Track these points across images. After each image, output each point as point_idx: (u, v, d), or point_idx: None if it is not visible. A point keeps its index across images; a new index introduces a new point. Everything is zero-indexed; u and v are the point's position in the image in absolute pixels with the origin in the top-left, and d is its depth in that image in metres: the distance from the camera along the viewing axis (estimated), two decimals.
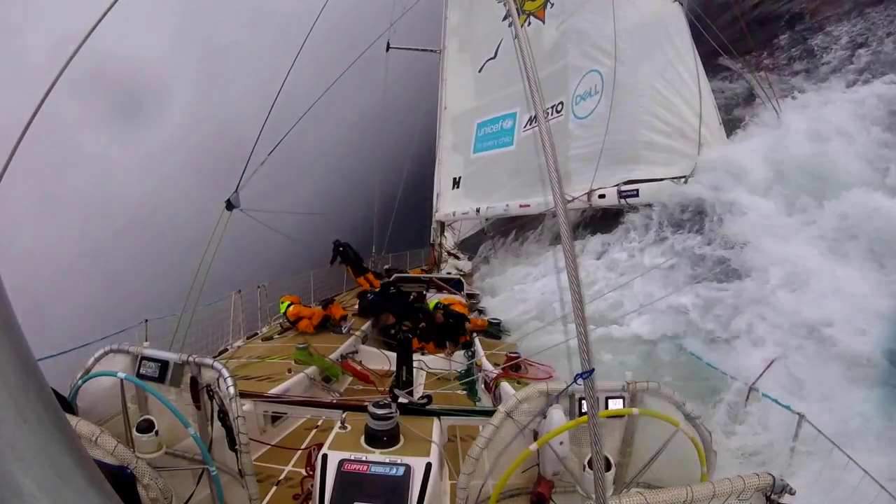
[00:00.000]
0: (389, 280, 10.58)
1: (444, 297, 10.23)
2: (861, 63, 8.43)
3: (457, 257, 15.93)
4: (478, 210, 13.44)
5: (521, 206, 11.60)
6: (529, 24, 11.84)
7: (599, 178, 9.05)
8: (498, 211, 12.61)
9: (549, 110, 10.83)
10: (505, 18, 12.73)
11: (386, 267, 15.01)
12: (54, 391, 2.42)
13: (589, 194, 9.05)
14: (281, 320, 9.17)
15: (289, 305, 8.55)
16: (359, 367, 7.14)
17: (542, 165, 1.82)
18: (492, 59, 13.39)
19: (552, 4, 11.29)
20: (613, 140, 9.01)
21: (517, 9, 12.08)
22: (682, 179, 7.65)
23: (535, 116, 2.20)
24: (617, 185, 8.68)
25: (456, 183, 14.44)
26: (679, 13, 8.18)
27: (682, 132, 7.91)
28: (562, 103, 10.69)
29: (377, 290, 9.99)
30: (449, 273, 13.74)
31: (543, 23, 11.55)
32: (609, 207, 9.15)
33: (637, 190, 8.40)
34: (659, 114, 8.28)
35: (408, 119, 17.59)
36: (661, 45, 8.23)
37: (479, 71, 13.92)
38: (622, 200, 8.59)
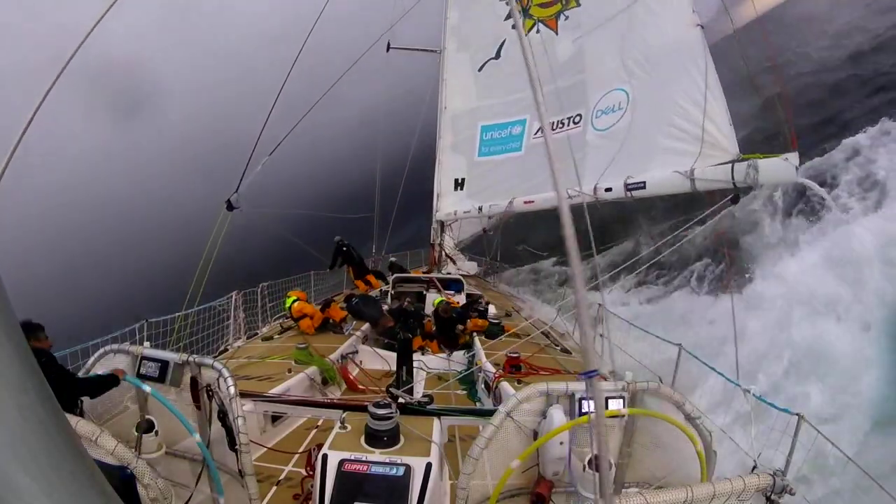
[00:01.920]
0: (400, 302, 10.44)
1: (445, 297, 10.25)
2: None
3: (453, 261, 15.91)
4: (480, 208, 13.47)
5: (525, 202, 11.66)
6: (538, 31, 11.98)
7: (613, 179, 9.20)
8: (501, 208, 12.66)
9: (566, 121, 11.09)
10: (507, 19, 12.75)
11: (392, 259, 15.07)
12: (69, 373, 2.43)
13: (595, 189, 9.16)
14: (281, 320, 9.17)
15: (294, 301, 8.56)
16: (355, 372, 7.14)
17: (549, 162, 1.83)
18: (493, 59, 13.43)
19: (566, 17, 11.46)
20: (630, 147, 9.24)
21: (523, 10, 12.19)
22: (689, 171, 7.76)
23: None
24: (624, 180, 8.81)
25: (459, 184, 14.43)
26: (701, 37, 8.44)
27: (697, 136, 8.09)
28: (580, 115, 10.90)
29: (363, 295, 9.95)
30: (449, 273, 13.73)
31: (556, 34, 11.74)
32: (616, 201, 9.30)
33: (644, 182, 8.56)
34: (678, 123, 8.57)
35: (408, 119, 17.61)
36: (686, 65, 8.51)
37: (479, 70, 13.91)
38: (628, 194, 8.73)
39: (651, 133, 9.00)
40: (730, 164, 7.31)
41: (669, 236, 8.34)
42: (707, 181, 7.66)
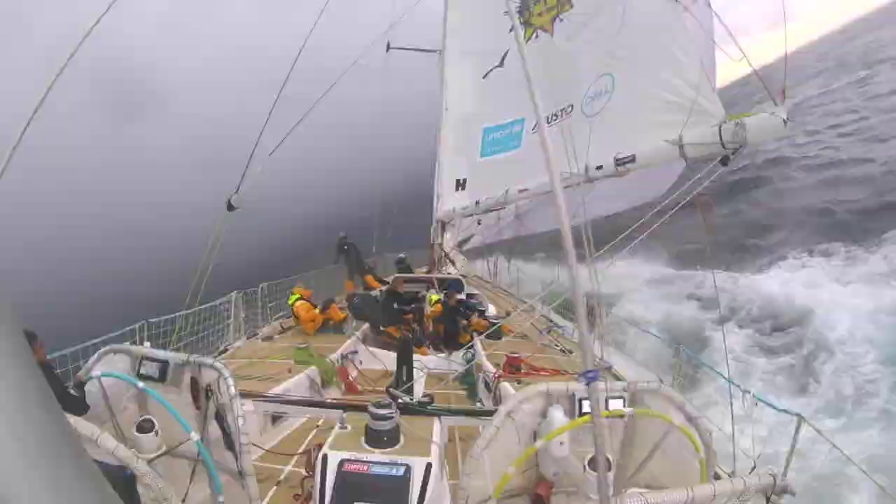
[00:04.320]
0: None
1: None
2: None
3: (453, 263, 15.89)
4: (477, 202, 13.59)
5: (519, 190, 11.75)
6: (537, 36, 12.16)
7: (603, 158, 9.29)
8: (497, 199, 12.80)
9: (559, 113, 11.29)
10: (511, 30, 12.89)
11: (402, 255, 15.13)
12: (69, 391, 2.42)
13: (586, 168, 9.21)
14: (281, 320, 9.17)
15: (297, 299, 8.53)
16: (354, 374, 7.13)
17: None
18: (498, 67, 13.72)
19: (561, 20, 11.71)
20: (618, 125, 9.33)
21: (525, 22, 12.38)
22: (678, 139, 7.78)
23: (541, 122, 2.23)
24: (613, 156, 8.88)
25: (461, 185, 14.56)
26: (679, 10, 8.46)
27: (682, 106, 8.15)
28: (571, 106, 11.08)
29: (365, 294, 9.95)
30: (449, 273, 13.73)
31: (552, 36, 11.94)
32: (608, 177, 9.37)
33: (633, 156, 8.62)
34: (663, 97, 8.63)
35: (408, 119, 17.62)
36: (668, 42, 8.59)
37: (484, 77, 14.15)
38: (619, 168, 8.81)
39: (637, 109, 9.11)
40: (717, 127, 7.34)
41: (660, 205, 8.34)
42: (696, 146, 7.67)
